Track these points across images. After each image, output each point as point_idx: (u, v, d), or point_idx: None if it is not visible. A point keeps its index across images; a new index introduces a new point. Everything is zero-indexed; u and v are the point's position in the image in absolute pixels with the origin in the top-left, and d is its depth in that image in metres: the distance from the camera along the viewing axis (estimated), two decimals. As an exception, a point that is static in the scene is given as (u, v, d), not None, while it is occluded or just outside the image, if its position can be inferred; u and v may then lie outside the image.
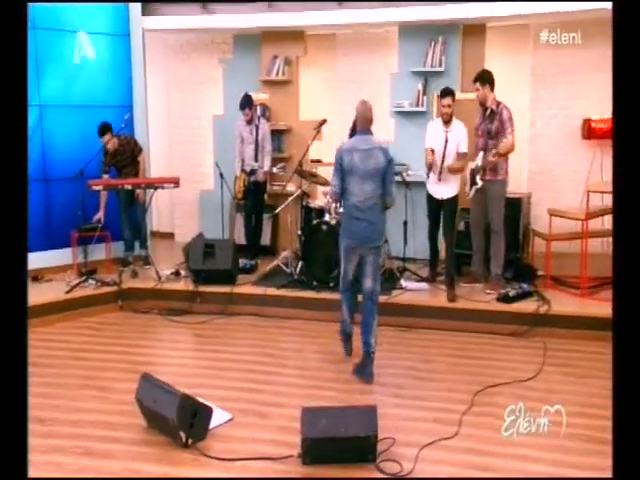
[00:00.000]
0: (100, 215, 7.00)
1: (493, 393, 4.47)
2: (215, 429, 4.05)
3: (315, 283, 6.28)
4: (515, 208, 6.50)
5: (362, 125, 4.79)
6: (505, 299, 5.67)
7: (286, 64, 7.68)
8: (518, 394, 4.41)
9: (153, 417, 4.06)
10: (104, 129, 6.83)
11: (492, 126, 5.85)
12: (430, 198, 6.24)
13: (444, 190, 6.07)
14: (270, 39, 7.72)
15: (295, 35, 7.66)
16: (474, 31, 7.05)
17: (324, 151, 7.54)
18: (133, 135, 7.30)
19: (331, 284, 6.18)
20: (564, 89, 7.09)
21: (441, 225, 6.25)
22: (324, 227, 6.26)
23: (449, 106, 5.93)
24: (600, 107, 6.64)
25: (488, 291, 5.96)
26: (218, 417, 4.17)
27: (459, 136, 5.98)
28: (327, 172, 7.47)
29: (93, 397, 4.59)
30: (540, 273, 6.30)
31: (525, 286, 5.86)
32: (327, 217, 6.32)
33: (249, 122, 7.17)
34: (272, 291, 6.29)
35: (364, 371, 4.75)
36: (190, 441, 3.87)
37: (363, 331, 4.77)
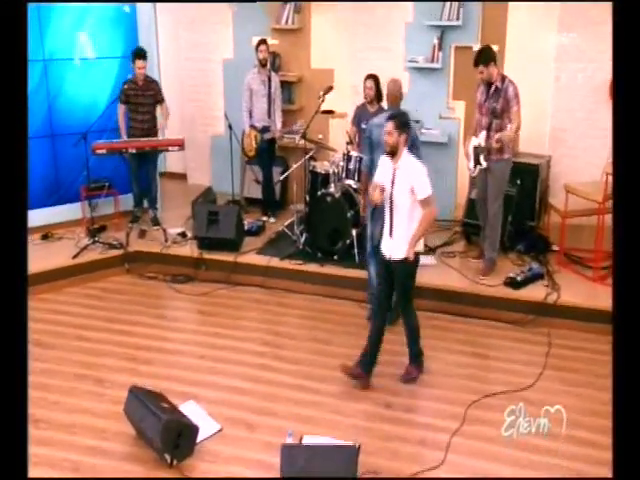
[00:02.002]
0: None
1: (487, 406, 4.35)
2: (204, 442, 4.09)
3: (320, 255, 6.12)
4: (532, 175, 6.13)
5: (392, 102, 5.28)
6: (513, 284, 5.41)
7: (296, 12, 7.16)
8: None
9: (140, 433, 4.10)
10: (142, 53, 6.51)
11: (497, 105, 5.38)
12: (381, 255, 4.60)
13: (393, 248, 4.44)
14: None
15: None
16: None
17: (336, 101, 7.11)
18: None
19: (335, 257, 6.04)
20: (593, 41, 6.36)
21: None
22: (328, 199, 6.02)
23: (390, 134, 4.29)
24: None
25: (481, 277, 5.62)
26: (207, 428, 4.21)
27: (411, 178, 4.31)
28: (340, 124, 7.16)
29: (89, 393, 4.67)
30: (554, 248, 5.98)
31: (535, 267, 5.58)
32: (332, 188, 6.06)
33: (264, 65, 6.77)
34: (275, 262, 6.16)
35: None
36: (175, 462, 3.92)
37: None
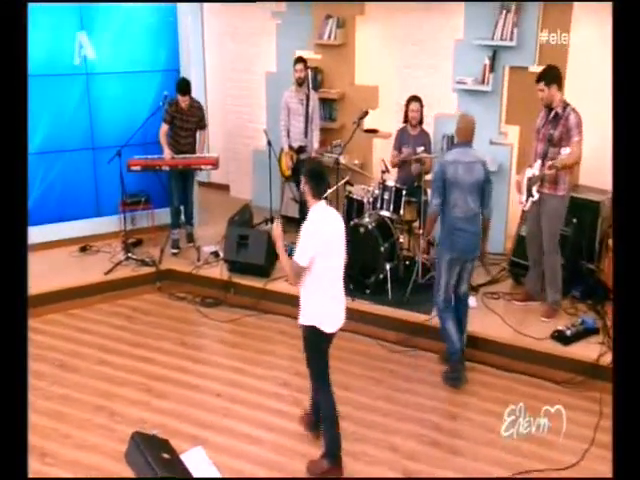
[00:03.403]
0: (167, 154, 6.45)
1: (518, 485, 3.90)
2: (202, 502, 3.82)
3: (352, 286, 5.76)
4: (592, 213, 5.57)
5: (463, 138, 4.78)
6: (561, 338, 4.88)
7: (339, 27, 6.78)
8: (547, 491, 3.84)
9: (139, 484, 3.87)
10: (184, 88, 6.27)
11: (555, 132, 4.88)
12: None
13: (302, 312, 3.96)
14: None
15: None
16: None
17: (381, 119, 6.75)
18: None
19: (367, 291, 5.70)
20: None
21: None
22: (361, 230, 5.68)
23: (304, 183, 3.86)
24: None
25: (543, 319, 5.19)
26: (210, 482, 3.93)
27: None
28: (383, 144, 6.78)
29: (100, 427, 4.53)
30: (615, 297, 5.40)
31: (589, 320, 5.03)
32: (366, 218, 5.72)
33: (300, 84, 6.49)
34: (306, 293, 5.83)
35: (457, 377, 4.82)
36: (170, 520, 3.66)
37: (459, 330, 4.88)
